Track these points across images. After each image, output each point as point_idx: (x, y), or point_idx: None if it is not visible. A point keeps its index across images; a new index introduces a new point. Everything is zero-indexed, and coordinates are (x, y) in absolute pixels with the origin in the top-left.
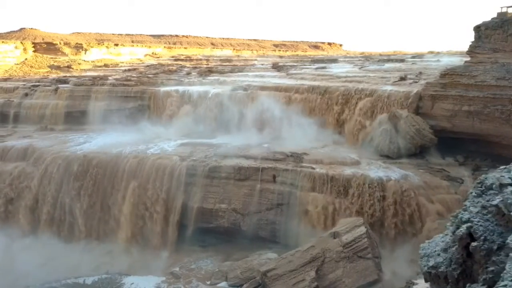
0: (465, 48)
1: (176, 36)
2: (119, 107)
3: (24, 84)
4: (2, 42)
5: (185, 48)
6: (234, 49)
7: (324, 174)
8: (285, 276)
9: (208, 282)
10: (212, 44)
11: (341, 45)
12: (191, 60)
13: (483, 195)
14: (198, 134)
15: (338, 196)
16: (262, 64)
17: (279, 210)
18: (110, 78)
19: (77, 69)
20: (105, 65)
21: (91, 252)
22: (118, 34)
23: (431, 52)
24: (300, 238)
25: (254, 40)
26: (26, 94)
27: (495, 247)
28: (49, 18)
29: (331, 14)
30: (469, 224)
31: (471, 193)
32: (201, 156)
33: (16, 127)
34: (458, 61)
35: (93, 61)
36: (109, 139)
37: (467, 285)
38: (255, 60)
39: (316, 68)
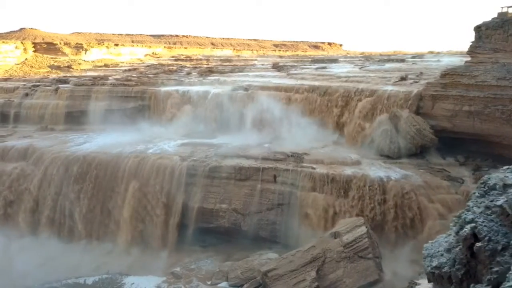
0: (465, 48)
1: (176, 36)
2: (120, 107)
3: (24, 84)
4: (3, 42)
5: (185, 48)
6: (234, 49)
7: (324, 174)
8: (286, 276)
9: (209, 282)
10: (212, 44)
11: (341, 45)
12: (191, 60)
13: (487, 195)
14: (199, 134)
15: (339, 197)
16: (263, 64)
17: (280, 210)
18: (110, 78)
19: (77, 69)
20: (105, 65)
21: (91, 252)
22: (118, 34)
23: (431, 52)
24: (301, 238)
25: (254, 40)
26: (27, 94)
27: (499, 248)
28: (49, 18)
29: (331, 14)
30: (473, 224)
31: (474, 193)
32: (201, 156)
33: (16, 127)
34: (458, 61)
35: (93, 61)
36: (109, 139)
37: (471, 285)
38: (255, 60)
39: (317, 68)
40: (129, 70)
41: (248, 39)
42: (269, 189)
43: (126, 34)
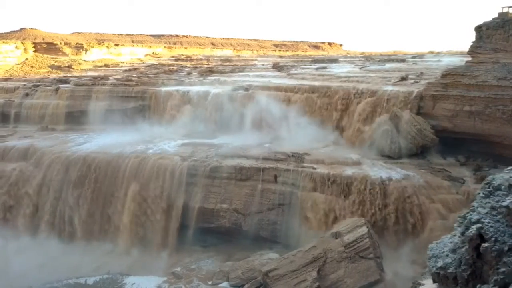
0: (465, 48)
1: (177, 36)
2: (120, 107)
3: (24, 84)
4: (3, 42)
5: (185, 48)
6: (234, 49)
7: (325, 174)
8: (287, 276)
9: (210, 282)
10: (213, 44)
11: (341, 45)
12: (191, 60)
13: (491, 196)
14: (199, 134)
15: (340, 197)
16: (263, 64)
17: (280, 210)
18: (110, 78)
19: (77, 69)
20: (106, 65)
21: (92, 252)
22: (118, 34)
23: (431, 52)
24: (302, 238)
25: (254, 40)
26: (27, 94)
27: (506, 248)
28: (49, 18)
29: (331, 14)
30: (479, 225)
31: (479, 193)
32: (202, 156)
33: (17, 127)
34: (458, 61)
35: (94, 61)
36: (109, 139)
37: (477, 286)
38: (256, 60)
39: (317, 68)
40: (130, 70)
41: (248, 39)
42: (269, 189)
43: (126, 34)
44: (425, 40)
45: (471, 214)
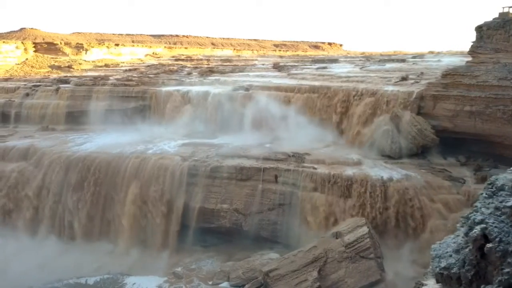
0: (466, 48)
1: (177, 36)
2: (120, 107)
3: (25, 84)
4: (3, 42)
5: (185, 48)
6: (234, 49)
7: (326, 175)
8: (288, 276)
9: (210, 282)
10: (213, 44)
11: (341, 45)
12: (191, 60)
13: (495, 196)
14: (199, 134)
15: (340, 198)
16: (263, 64)
17: (281, 210)
18: (111, 78)
19: (78, 69)
20: (106, 65)
21: (92, 252)
22: (119, 34)
23: (432, 52)
24: (302, 238)
25: (255, 40)
26: (27, 94)
27: (510, 249)
28: (49, 18)
29: (331, 14)
30: (483, 225)
31: (482, 194)
32: (202, 156)
33: (17, 127)
34: (458, 61)
35: (94, 61)
36: (110, 139)
37: (481, 286)
38: (256, 60)
39: (317, 68)
40: (130, 70)
41: (249, 39)
42: (270, 189)
43: (127, 34)
44: (425, 40)
45: (474, 215)
